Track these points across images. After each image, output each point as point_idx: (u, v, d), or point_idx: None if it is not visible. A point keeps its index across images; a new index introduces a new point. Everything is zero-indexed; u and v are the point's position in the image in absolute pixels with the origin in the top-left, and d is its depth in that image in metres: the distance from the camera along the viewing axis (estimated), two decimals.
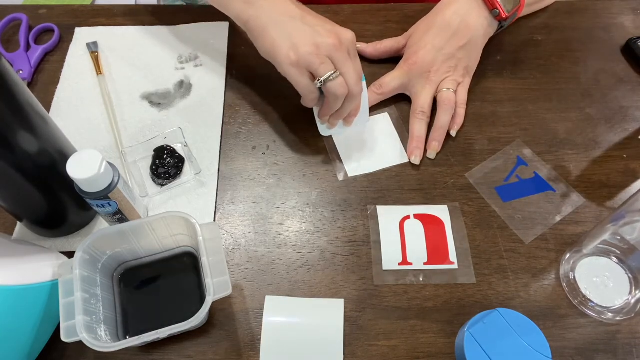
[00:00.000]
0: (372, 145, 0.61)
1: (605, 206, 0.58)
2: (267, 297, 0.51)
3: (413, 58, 0.63)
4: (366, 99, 0.58)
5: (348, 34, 0.53)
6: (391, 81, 0.64)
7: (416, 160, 0.60)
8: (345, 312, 0.51)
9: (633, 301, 0.50)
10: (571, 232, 0.56)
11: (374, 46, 0.68)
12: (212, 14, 0.74)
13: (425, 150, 0.61)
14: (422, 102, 0.62)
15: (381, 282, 0.53)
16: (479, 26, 0.62)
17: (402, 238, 0.55)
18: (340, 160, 0.61)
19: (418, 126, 0.61)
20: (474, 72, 0.66)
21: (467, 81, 0.65)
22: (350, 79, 0.52)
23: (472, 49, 0.63)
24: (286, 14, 0.53)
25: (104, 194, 0.47)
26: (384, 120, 0.64)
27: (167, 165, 0.59)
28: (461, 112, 0.63)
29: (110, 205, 0.49)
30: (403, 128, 0.64)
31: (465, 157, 0.61)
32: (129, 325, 0.49)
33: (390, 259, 0.54)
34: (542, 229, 0.56)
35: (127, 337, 0.48)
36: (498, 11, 0.61)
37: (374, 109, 0.65)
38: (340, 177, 0.60)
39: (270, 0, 0.54)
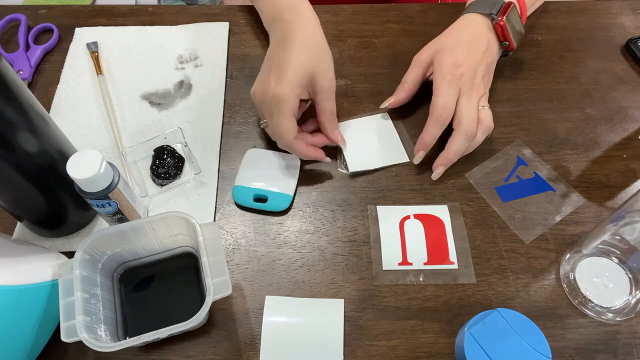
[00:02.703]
0: (372, 144, 0.61)
1: (605, 206, 0.58)
2: (267, 297, 0.51)
3: (460, 70, 0.57)
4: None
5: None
6: (446, 100, 0.57)
7: (417, 161, 0.59)
8: (345, 312, 0.51)
9: (633, 301, 0.50)
10: (571, 232, 0.56)
11: (403, 91, 0.62)
12: (212, 14, 0.74)
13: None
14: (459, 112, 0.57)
15: (381, 282, 0.53)
16: (496, 50, 0.62)
17: (402, 238, 0.55)
18: (342, 155, 0.60)
19: (436, 131, 0.58)
20: None
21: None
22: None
23: (492, 70, 0.62)
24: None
25: (104, 194, 0.47)
26: (384, 120, 0.64)
27: (167, 165, 0.59)
28: (477, 141, 0.59)
29: (110, 205, 0.49)
30: (403, 128, 0.63)
31: (465, 157, 0.61)
32: (129, 325, 0.49)
33: (390, 259, 0.54)
34: (542, 229, 0.56)
35: (127, 337, 0.48)
36: (507, 43, 0.61)
37: (373, 109, 0.65)
38: (340, 168, 0.60)
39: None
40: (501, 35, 0.61)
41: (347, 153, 0.60)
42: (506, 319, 0.47)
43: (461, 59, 0.58)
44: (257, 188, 0.57)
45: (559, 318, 0.51)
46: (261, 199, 0.57)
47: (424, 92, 0.62)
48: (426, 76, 0.63)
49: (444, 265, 0.54)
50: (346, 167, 0.60)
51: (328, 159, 0.59)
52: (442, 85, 0.57)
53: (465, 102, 0.57)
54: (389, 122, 0.64)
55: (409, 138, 0.63)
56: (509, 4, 0.61)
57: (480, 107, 0.58)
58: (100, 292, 0.47)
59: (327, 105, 0.57)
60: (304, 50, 0.55)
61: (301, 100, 0.57)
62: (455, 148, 0.57)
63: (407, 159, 0.61)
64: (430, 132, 0.57)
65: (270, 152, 0.61)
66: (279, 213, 0.57)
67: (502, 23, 0.60)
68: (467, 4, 0.65)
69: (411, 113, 0.65)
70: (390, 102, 0.62)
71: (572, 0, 0.76)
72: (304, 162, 0.60)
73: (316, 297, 0.52)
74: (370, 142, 0.62)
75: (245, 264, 0.54)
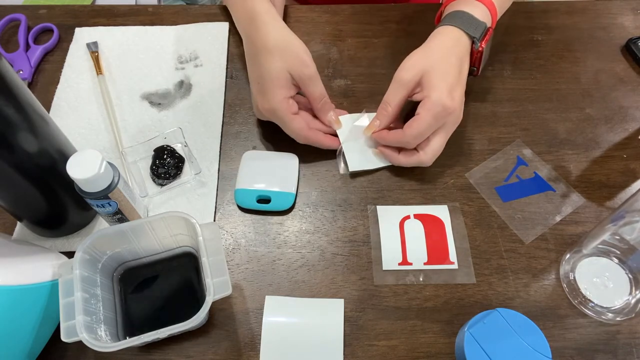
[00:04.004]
0: (372, 144, 0.61)
1: (605, 206, 0.58)
2: (267, 297, 0.51)
3: (451, 108, 0.54)
4: None
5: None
6: (425, 132, 0.55)
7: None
8: (345, 312, 0.51)
9: (633, 301, 0.50)
10: (571, 232, 0.56)
11: (387, 115, 0.58)
12: (212, 14, 0.74)
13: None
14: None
15: (381, 282, 0.53)
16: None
17: (402, 238, 0.55)
18: (343, 156, 0.60)
19: (393, 144, 0.58)
20: None
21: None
22: None
23: None
24: None
25: (104, 194, 0.47)
26: None
27: (167, 165, 0.59)
28: (417, 159, 0.57)
29: (110, 205, 0.49)
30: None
31: (465, 157, 0.61)
32: (129, 325, 0.49)
33: (390, 259, 0.54)
34: (542, 229, 0.56)
35: (127, 337, 0.48)
36: (475, 69, 0.61)
37: (373, 108, 0.64)
38: (341, 170, 0.60)
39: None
40: (473, 60, 0.59)
41: (347, 152, 0.60)
42: (506, 319, 0.47)
43: (452, 89, 0.54)
44: (259, 189, 0.57)
45: (559, 318, 0.51)
46: (264, 200, 0.57)
47: None
48: (410, 97, 0.57)
49: (444, 265, 0.54)
50: (346, 166, 0.60)
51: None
52: (428, 118, 0.54)
53: (440, 139, 0.56)
54: None
55: None
56: (489, 29, 0.58)
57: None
58: (100, 292, 0.47)
59: (313, 91, 0.57)
60: (271, 54, 0.55)
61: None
62: (401, 161, 0.58)
63: None
64: (389, 142, 0.58)
65: (267, 153, 0.61)
66: (280, 213, 0.57)
67: (481, 49, 0.58)
68: (448, 12, 0.59)
69: (412, 114, 0.65)
70: (375, 129, 0.58)
71: (572, 0, 0.76)
72: (302, 161, 0.60)
73: (316, 297, 0.52)
74: (370, 142, 0.62)
75: (245, 264, 0.54)
